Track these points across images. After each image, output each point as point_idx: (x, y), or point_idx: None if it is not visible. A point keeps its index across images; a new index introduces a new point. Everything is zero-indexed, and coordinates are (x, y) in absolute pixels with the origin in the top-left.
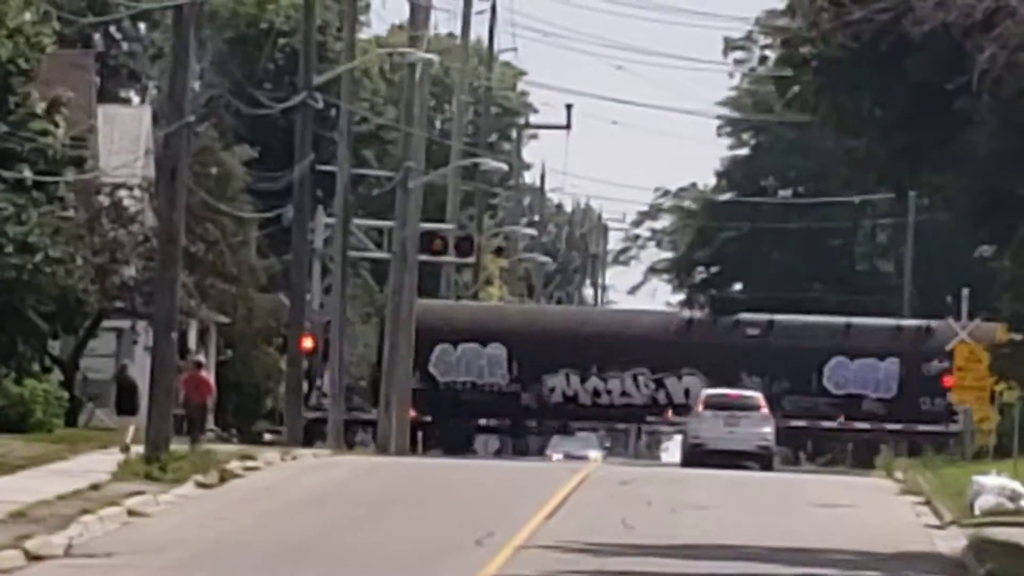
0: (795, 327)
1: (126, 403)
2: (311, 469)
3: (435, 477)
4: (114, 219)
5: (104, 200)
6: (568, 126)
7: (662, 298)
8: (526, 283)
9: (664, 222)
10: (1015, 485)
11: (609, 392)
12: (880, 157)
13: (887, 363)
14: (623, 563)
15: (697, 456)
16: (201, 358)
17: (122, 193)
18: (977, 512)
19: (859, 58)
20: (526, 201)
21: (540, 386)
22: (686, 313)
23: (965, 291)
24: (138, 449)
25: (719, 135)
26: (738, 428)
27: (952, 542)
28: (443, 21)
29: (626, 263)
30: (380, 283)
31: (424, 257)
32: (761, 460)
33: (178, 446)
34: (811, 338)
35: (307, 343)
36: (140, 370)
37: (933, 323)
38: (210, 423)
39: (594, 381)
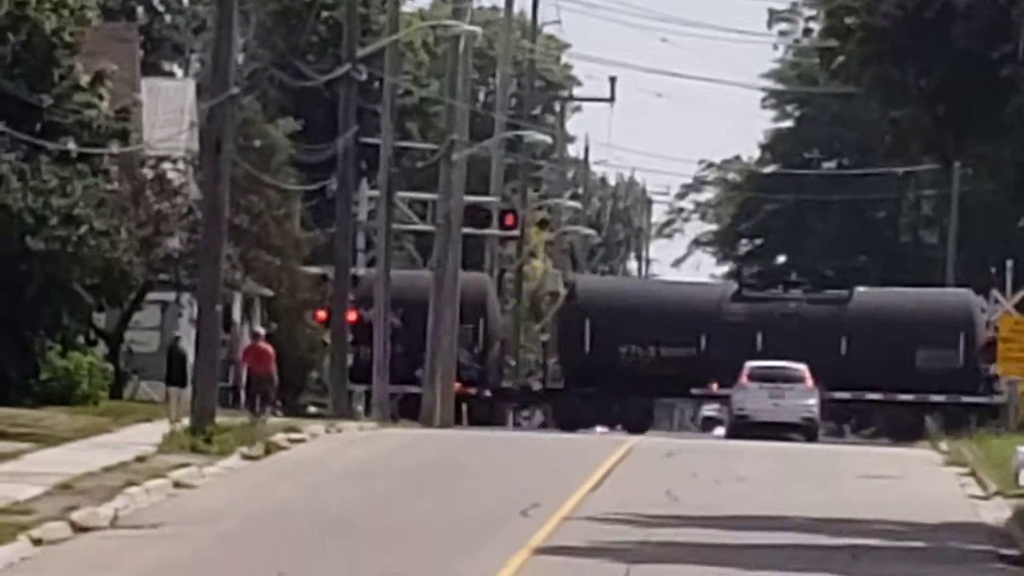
0: None
1: (176, 374)
2: (357, 441)
3: (481, 450)
4: (158, 192)
5: (148, 173)
6: (612, 99)
7: (706, 270)
8: (571, 256)
9: (708, 195)
10: None
11: None
12: (925, 127)
13: None
14: (668, 534)
15: (742, 428)
16: (260, 329)
17: (166, 166)
18: (1022, 483)
19: (904, 27)
20: (570, 174)
21: None
22: None
23: (1009, 263)
24: (184, 420)
25: (763, 107)
26: (783, 400)
27: (996, 512)
28: None
29: (670, 236)
30: (424, 256)
31: (468, 230)
32: (806, 432)
33: (223, 418)
34: None
35: (351, 316)
36: (185, 342)
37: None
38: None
39: None
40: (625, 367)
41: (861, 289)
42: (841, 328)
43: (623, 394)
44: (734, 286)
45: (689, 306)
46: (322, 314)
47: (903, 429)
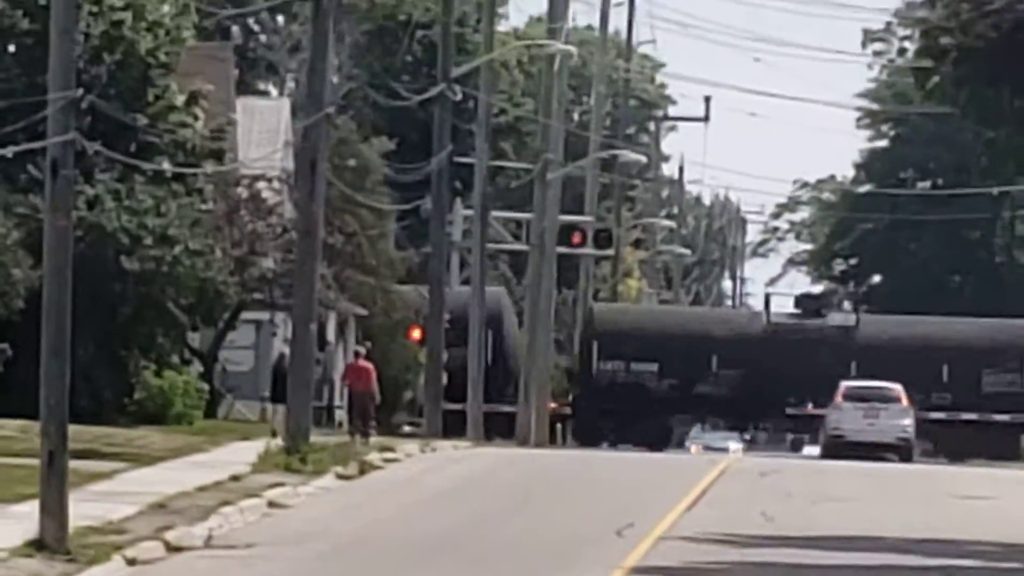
0: None
1: (281, 391)
2: (451, 461)
3: (575, 469)
4: (253, 211)
5: (243, 192)
6: (707, 118)
7: (801, 289)
8: (665, 276)
9: (803, 214)
10: None
11: None
12: (1020, 147)
13: None
14: (764, 554)
15: (836, 448)
16: (361, 348)
17: (261, 185)
18: None
19: (999, 49)
20: (664, 193)
21: None
22: None
23: None
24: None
25: (858, 127)
26: (878, 420)
27: None
28: (581, 13)
29: (765, 255)
30: (518, 275)
31: (563, 249)
32: (901, 452)
33: (318, 437)
34: None
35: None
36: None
37: None
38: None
39: None
40: None
41: None
42: None
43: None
44: None
45: None
46: (416, 333)
47: (997, 450)
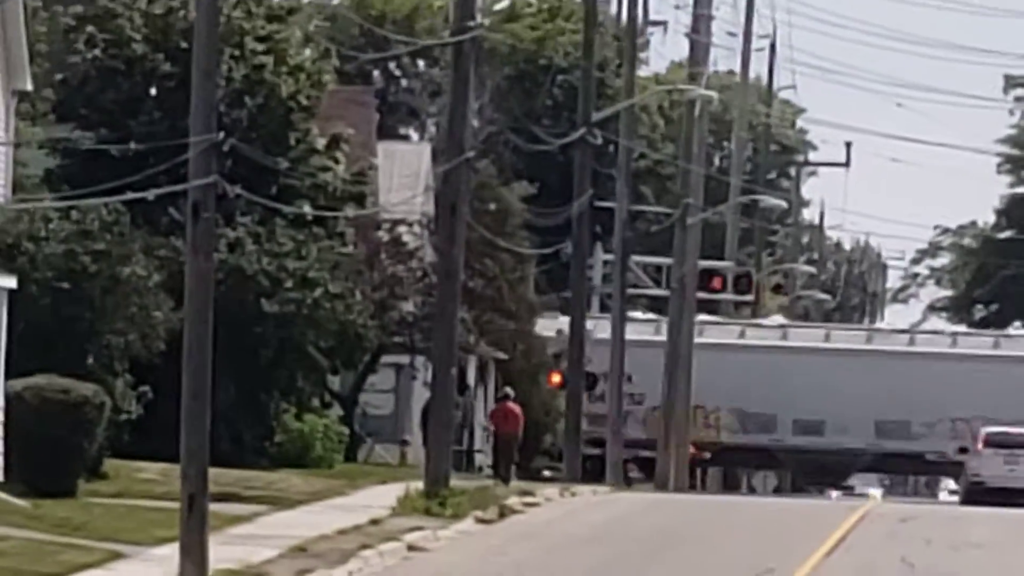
0: None
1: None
2: (590, 506)
3: (714, 514)
4: (393, 255)
5: (383, 236)
6: (847, 163)
7: None
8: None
9: (943, 260)
10: None
11: None
12: None
13: None
14: None
15: (977, 494)
16: (510, 391)
17: (401, 229)
18: None
19: None
20: (805, 239)
21: None
22: None
23: None
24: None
25: (999, 172)
26: (1018, 466)
27: None
28: (722, 58)
29: (905, 301)
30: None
31: (702, 294)
32: None
33: (457, 481)
34: None
35: (555, 378)
36: (419, 405)
37: None
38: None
39: None
40: None
41: None
42: None
43: None
44: None
45: None
46: (556, 378)
47: None
